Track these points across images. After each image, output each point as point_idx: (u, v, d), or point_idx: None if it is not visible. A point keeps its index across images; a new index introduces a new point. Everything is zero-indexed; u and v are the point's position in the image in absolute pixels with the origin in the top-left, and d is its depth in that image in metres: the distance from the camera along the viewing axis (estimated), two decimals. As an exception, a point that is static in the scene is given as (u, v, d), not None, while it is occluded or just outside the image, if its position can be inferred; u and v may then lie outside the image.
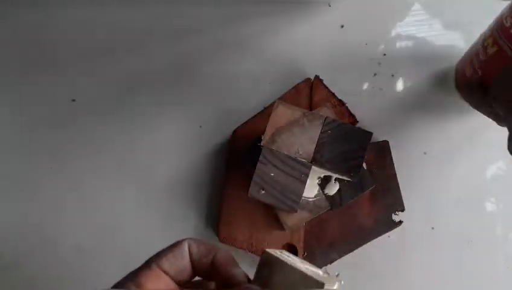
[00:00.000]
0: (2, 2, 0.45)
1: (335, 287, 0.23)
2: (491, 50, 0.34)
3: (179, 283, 0.22)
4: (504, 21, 0.32)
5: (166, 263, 0.22)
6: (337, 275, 0.27)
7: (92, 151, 0.42)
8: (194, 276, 0.23)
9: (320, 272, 0.24)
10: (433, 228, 0.40)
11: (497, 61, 0.34)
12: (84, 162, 0.42)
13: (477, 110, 0.40)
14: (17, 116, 0.43)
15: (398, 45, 0.44)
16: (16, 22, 0.45)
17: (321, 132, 0.34)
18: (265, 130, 0.34)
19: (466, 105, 0.43)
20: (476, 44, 0.38)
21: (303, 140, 0.34)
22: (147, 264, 0.22)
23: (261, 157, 0.33)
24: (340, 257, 0.38)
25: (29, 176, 0.42)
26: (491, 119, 0.42)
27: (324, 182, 0.34)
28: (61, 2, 0.45)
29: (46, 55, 0.44)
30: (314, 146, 0.34)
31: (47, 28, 0.45)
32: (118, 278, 0.21)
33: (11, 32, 0.45)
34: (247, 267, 0.40)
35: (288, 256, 0.23)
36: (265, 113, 0.40)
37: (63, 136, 0.42)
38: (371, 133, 0.34)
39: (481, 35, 0.37)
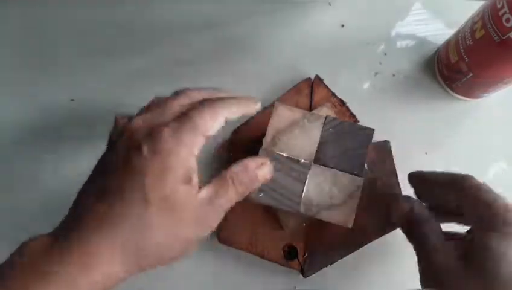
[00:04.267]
0: (1, 2, 0.45)
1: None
2: (479, 34, 0.34)
3: None
4: (497, 2, 0.32)
5: None
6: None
7: (92, 152, 0.42)
8: None
9: None
10: (434, 228, 0.40)
11: (483, 46, 0.34)
12: (84, 162, 0.42)
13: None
14: (17, 116, 0.43)
15: (399, 44, 0.44)
16: (16, 22, 0.45)
17: (322, 132, 0.34)
18: (265, 133, 0.34)
19: (467, 104, 0.43)
20: (463, 28, 0.38)
21: (304, 141, 0.33)
22: None
23: None
24: (341, 257, 0.38)
25: (29, 177, 0.42)
26: (492, 119, 0.42)
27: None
28: (61, 2, 0.45)
29: (46, 55, 0.44)
30: (315, 146, 0.33)
31: (47, 28, 0.45)
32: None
33: (10, 32, 0.45)
34: (248, 268, 0.40)
35: None
36: (265, 113, 0.40)
37: (62, 136, 0.42)
38: (372, 130, 0.34)
39: (469, 19, 0.37)
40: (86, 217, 0.24)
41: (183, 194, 0.25)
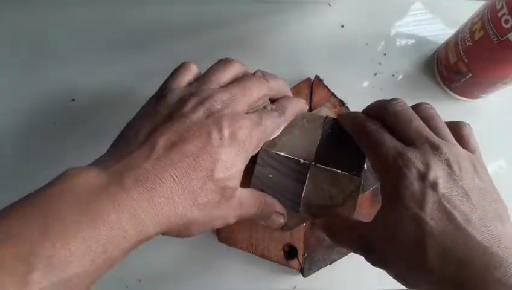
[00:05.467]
0: (2, 2, 0.45)
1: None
2: (478, 35, 0.34)
3: None
4: (497, 3, 0.32)
5: None
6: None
7: (92, 152, 0.42)
8: None
9: None
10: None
11: (482, 47, 0.34)
12: (84, 163, 0.42)
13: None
14: (17, 116, 0.43)
15: (398, 44, 0.44)
16: (16, 22, 0.45)
17: (322, 132, 0.34)
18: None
19: (466, 104, 0.43)
20: (462, 29, 0.38)
21: (304, 141, 0.34)
22: None
23: (258, 159, 0.33)
24: (340, 257, 0.38)
25: (29, 177, 0.42)
26: (491, 119, 0.42)
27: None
28: (61, 2, 0.45)
29: (46, 55, 0.44)
30: (315, 146, 0.34)
31: (47, 27, 0.45)
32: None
33: (10, 32, 0.45)
34: (248, 268, 0.41)
35: None
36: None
37: (62, 136, 0.42)
38: None
39: (468, 20, 0.37)
40: (145, 161, 0.24)
41: (232, 189, 0.27)
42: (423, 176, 0.24)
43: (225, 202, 0.27)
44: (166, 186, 0.23)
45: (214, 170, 0.25)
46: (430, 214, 0.23)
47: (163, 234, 0.25)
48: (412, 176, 0.25)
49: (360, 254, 0.28)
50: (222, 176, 0.25)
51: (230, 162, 0.26)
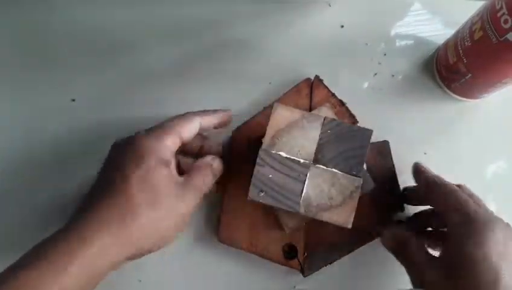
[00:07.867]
0: (1, 2, 0.45)
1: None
2: (478, 35, 0.34)
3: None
4: (496, 3, 0.32)
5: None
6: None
7: (92, 151, 0.42)
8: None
9: None
10: (433, 228, 0.40)
11: (481, 47, 0.34)
12: (85, 163, 0.42)
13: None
14: (17, 116, 0.43)
15: (398, 44, 0.44)
16: (16, 22, 0.45)
17: (321, 132, 0.34)
18: (265, 133, 0.34)
19: (465, 104, 0.43)
20: (462, 29, 0.38)
21: (303, 141, 0.34)
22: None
23: (258, 160, 0.33)
24: (340, 257, 0.38)
25: (29, 177, 0.42)
26: (490, 119, 0.42)
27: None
28: (61, 2, 0.45)
29: (46, 55, 0.44)
30: (314, 147, 0.34)
31: (47, 28, 0.45)
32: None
33: (10, 32, 0.45)
34: (248, 268, 0.41)
35: None
36: (265, 113, 0.40)
37: (62, 136, 0.42)
38: (370, 131, 0.34)
39: (468, 20, 0.37)
40: (88, 206, 0.29)
41: (159, 174, 0.29)
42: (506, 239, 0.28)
43: (165, 188, 0.29)
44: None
45: (124, 172, 0.29)
46: (507, 269, 0.27)
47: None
48: (499, 234, 0.28)
49: (414, 275, 0.31)
50: (132, 169, 0.29)
51: (134, 157, 0.30)
